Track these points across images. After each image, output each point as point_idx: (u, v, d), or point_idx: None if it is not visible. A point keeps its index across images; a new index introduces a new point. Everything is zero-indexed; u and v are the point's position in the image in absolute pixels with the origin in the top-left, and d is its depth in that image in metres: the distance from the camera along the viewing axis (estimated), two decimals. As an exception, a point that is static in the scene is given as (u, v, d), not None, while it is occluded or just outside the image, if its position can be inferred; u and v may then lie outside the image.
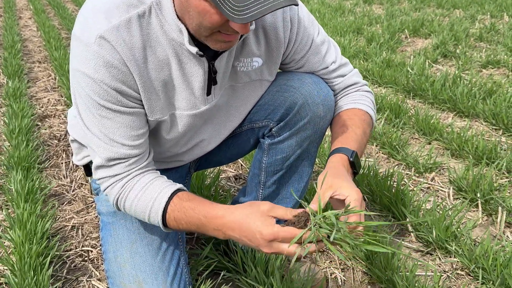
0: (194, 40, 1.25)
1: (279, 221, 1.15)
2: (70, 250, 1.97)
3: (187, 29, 1.22)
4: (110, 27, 1.17)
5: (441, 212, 2.01)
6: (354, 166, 1.35)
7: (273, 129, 1.55)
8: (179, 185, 1.34)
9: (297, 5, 1.05)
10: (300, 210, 1.15)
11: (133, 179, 1.33)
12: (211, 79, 1.34)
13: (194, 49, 1.23)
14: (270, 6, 1.00)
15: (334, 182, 1.20)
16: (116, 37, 1.18)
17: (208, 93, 1.37)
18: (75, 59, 1.22)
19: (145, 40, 1.22)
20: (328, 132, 1.57)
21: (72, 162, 2.44)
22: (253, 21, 1.28)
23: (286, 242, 1.10)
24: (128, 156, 1.30)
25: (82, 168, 1.72)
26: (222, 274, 1.73)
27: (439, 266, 1.81)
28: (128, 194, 1.32)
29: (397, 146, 2.67)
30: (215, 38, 1.17)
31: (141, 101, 1.28)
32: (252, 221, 1.13)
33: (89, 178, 2.26)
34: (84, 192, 2.40)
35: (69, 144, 2.89)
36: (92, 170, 1.36)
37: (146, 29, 1.22)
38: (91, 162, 1.65)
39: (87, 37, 1.18)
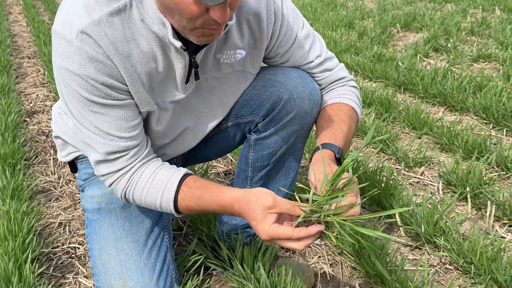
0: (178, 35, 1.23)
1: None
2: (57, 247, 1.95)
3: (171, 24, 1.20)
4: (91, 21, 1.16)
5: (430, 206, 2.01)
6: (340, 163, 1.34)
7: (259, 125, 1.53)
8: (184, 170, 1.34)
9: None
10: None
11: (137, 171, 1.33)
12: (191, 71, 1.34)
13: (178, 44, 1.21)
14: None
15: (327, 169, 1.20)
16: (98, 31, 1.16)
17: (187, 81, 1.36)
18: (58, 57, 1.20)
19: (127, 33, 1.20)
20: (314, 126, 1.56)
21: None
22: (234, 15, 1.27)
23: (284, 240, 1.13)
24: (127, 148, 1.30)
25: (68, 164, 1.69)
26: (209, 270, 1.72)
27: (428, 261, 1.81)
28: (135, 187, 1.32)
29: (387, 141, 2.66)
30: (200, 32, 1.16)
31: (130, 92, 1.27)
32: (252, 215, 1.16)
33: (75, 174, 2.23)
34: (71, 189, 2.38)
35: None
36: (93, 166, 1.35)
37: (127, 22, 1.20)
38: (76, 158, 1.63)
39: (69, 33, 1.16)
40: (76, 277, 1.79)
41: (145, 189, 1.32)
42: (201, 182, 1.31)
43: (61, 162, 2.63)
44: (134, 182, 1.32)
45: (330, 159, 1.31)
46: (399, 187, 2.17)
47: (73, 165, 1.67)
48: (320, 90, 1.53)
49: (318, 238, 1.17)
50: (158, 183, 1.31)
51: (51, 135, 2.98)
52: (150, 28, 1.22)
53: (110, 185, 1.36)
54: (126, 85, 1.25)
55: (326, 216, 1.13)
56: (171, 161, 1.66)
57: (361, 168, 2.27)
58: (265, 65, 1.57)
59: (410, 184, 2.32)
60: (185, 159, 1.77)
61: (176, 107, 1.40)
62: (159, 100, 1.36)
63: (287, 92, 1.44)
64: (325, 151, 1.33)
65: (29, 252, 1.76)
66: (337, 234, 1.79)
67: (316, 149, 1.35)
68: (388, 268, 1.67)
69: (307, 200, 1.17)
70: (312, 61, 1.49)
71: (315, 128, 1.55)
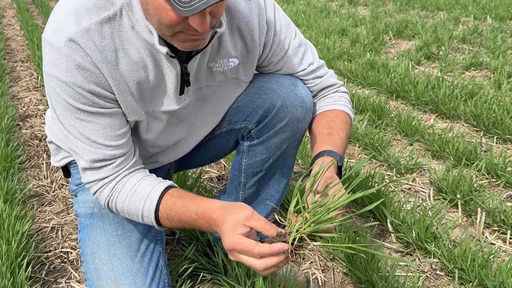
0: (167, 42, 1.24)
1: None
2: (49, 251, 1.95)
3: None
4: (80, 30, 1.17)
5: (421, 212, 2.02)
6: (340, 171, 1.36)
7: (252, 131, 1.55)
8: (169, 182, 1.34)
9: None
10: (280, 230, 1.11)
11: (122, 180, 1.32)
12: (184, 80, 1.34)
13: (164, 49, 1.22)
14: None
15: (328, 175, 1.21)
16: (86, 39, 1.17)
17: (181, 92, 1.37)
18: (47, 64, 1.21)
19: (116, 42, 1.21)
20: (307, 132, 1.57)
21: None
22: (225, 22, 1.28)
23: (245, 254, 1.09)
24: (113, 156, 1.30)
25: (61, 169, 1.70)
26: (202, 276, 1.73)
27: (419, 267, 1.83)
28: (118, 196, 1.32)
29: (379, 147, 2.68)
30: (181, 38, 1.16)
31: (117, 101, 1.28)
32: (225, 225, 1.13)
33: (68, 179, 2.24)
34: (64, 193, 2.38)
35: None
36: (80, 173, 1.35)
37: (117, 31, 1.21)
38: (69, 163, 1.64)
39: (57, 41, 1.17)
40: (69, 282, 1.79)
41: (127, 198, 1.31)
42: (185, 193, 1.30)
43: (54, 166, 2.63)
44: (117, 191, 1.32)
45: (334, 166, 1.32)
46: (391, 193, 2.19)
47: (66, 170, 1.67)
48: (312, 96, 1.54)
49: (284, 263, 1.11)
50: (141, 192, 1.30)
51: (44, 139, 2.98)
52: (141, 36, 1.23)
53: (94, 193, 1.36)
54: (114, 94, 1.25)
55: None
56: (164, 167, 1.67)
57: (352, 174, 2.29)
58: (257, 72, 1.58)
59: (402, 190, 2.34)
60: (178, 165, 1.78)
61: (169, 117, 1.41)
62: (150, 109, 1.36)
63: (280, 99, 1.46)
64: (328, 158, 1.33)
65: (22, 257, 1.76)
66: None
67: (318, 155, 1.35)
68: (379, 274, 1.68)
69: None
70: (305, 69, 1.51)
71: (307, 134, 1.57)
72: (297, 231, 1.11)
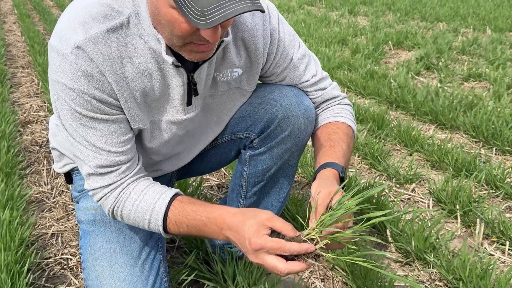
0: (174, 52, 1.26)
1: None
2: (49, 258, 1.96)
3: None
4: (87, 37, 1.18)
5: (420, 223, 2.03)
6: (342, 181, 1.37)
7: (254, 141, 1.56)
8: (176, 190, 1.34)
9: (263, 11, 1.06)
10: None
11: (128, 187, 1.33)
12: (191, 90, 1.35)
13: (170, 59, 1.23)
14: (233, 10, 1.01)
15: (330, 190, 1.21)
16: (93, 47, 1.18)
17: (189, 103, 1.38)
18: (53, 70, 1.22)
19: (122, 50, 1.22)
20: (308, 143, 1.58)
21: (53, 169, 2.44)
22: (230, 31, 1.29)
23: (273, 253, 1.11)
24: (118, 163, 1.30)
25: (63, 175, 1.71)
26: (202, 283, 1.73)
27: (418, 277, 1.83)
28: (125, 202, 1.32)
29: (378, 157, 2.69)
30: (189, 48, 1.18)
31: (122, 108, 1.29)
32: (246, 227, 1.14)
33: (70, 185, 2.24)
34: (64, 200, 2.39)
35: (50, 150, 2.87)
36: (85, 180, 1.36)
37: (124, 39, 1.22)
38: (71, 170, 1.64)
39: (64, 48, 1.18)
40: (68, 289, 1.79)
41: (135, 204, 1.32)
42: (194, 200, 1.32)
43: (54, 172, 2.64)
44: (124, 198, 1.33)
45: (335, 178, 1.33)
46: (390, 203, 2.19)
47: (68, 176, 1.68)
48: (315, 108, 1.56)
49: (305, 269, 1.14)
50: (150, 199, 1.31)
51: (44, 146, 2.99)
52: (148, 45, 1.24)
53: (98, 200, 1.36)
54: (119, 101, 1.27)
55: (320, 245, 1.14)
56: (166, 175, 1.67)
57: (352, 184, 2.30)
58: (260, 82, 1.59)
59: (401, 200, 2.35)
60: (180, 173, 1.79)
61: (174, 127, 1.41)
62: (156, 119, 1.37)
63: (282, 110, 1.47)
64: (331, 170, 1.34)
65: (23, 263, 1.77)
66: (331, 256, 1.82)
67: (320, 168, 1.37)
68: (379, 284, 1.69)
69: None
70: (308, 80, 1.52)
71: (310, 144, 1.58)
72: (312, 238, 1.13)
